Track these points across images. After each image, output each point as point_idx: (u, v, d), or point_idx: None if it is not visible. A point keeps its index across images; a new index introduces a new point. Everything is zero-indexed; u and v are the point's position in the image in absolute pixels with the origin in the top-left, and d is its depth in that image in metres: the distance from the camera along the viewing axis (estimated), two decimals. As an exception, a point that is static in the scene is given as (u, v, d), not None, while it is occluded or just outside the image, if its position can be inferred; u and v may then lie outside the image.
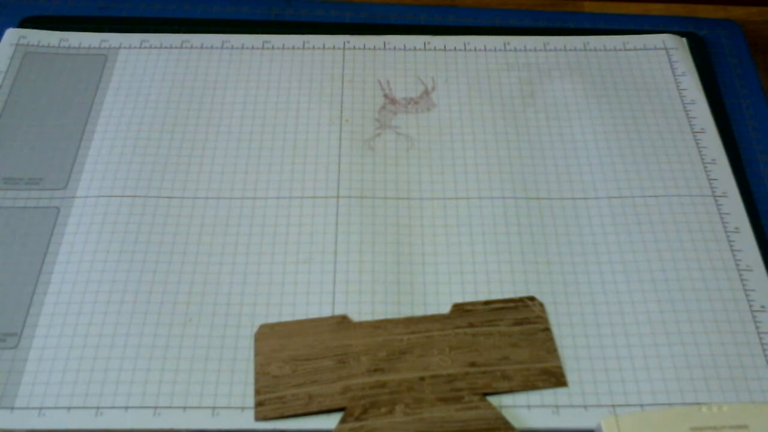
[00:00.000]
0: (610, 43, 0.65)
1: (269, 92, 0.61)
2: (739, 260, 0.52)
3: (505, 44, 0.65)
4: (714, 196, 0.55)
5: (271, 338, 0.48)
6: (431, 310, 0.50)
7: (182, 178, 0.56)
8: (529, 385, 0.47)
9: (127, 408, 0.46)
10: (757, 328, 0.49)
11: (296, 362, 0.47)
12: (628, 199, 0.55)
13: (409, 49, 0.65)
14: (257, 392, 0.46)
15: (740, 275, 0.51)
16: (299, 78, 0.62)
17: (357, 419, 0.45)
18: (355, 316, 0.49)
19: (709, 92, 0.62)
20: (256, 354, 0.48)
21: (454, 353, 0.48)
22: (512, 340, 0.48)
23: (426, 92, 0.62)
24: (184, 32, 0.65)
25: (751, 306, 0.50)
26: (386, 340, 0.48)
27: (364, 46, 0.65)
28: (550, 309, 0.50)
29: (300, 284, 0.51)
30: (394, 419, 0.45)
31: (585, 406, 0.46)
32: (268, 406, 0.46)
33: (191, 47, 0.64)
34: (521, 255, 0.52)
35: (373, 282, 0.51)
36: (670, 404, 0.46)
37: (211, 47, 0.64)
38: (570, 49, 0.65)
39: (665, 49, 0.65)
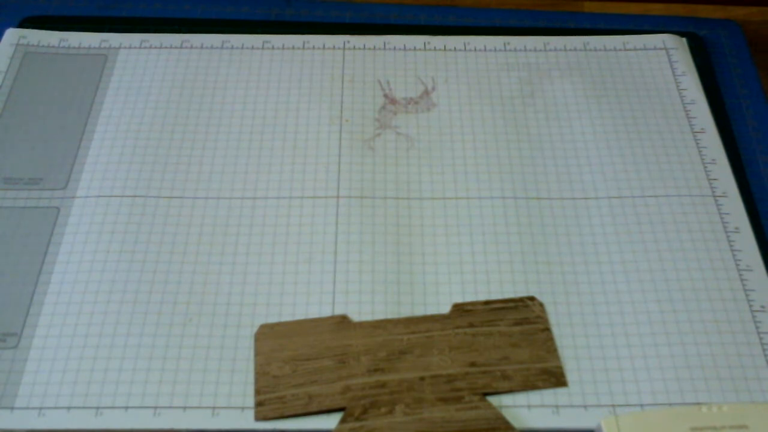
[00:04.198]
0: (610, 43, 0.65)
1: (269, 92, 0.61)
2: (739, 260, 0.52)
3: (505, 44, 0.65)
4: (714, 196, 0.55)
5: (271, 338, 0.48)
6: (431, 310, 0.50)
7: (182, 178, 0.56)
8: (529, 385, 0.47)
9: (127, 408, 0.46)
10: (757, 328, 0.49)
11: (296, 362, 0.47)
12: (628, 199, 0.55)
13: (409, 49, 0.65)
14: (257, 392, 0.46)
15: (740, 275, 0.51)
16: (299, 78, 0.62)
17: (357, 419, 0.45)
18: (355, 316, 0.49)
19: (709, 92, 0.62)
20: (256, 354, 0.48)
21: (454, 353, 0.48)
22: (512, 340, 0.48)
23: (426, 92, 0.62)
24: (184, 32, 0.65)
25: (751, 306, 0.50)
26: (386, 340, 0.48)
27: (364, 46, 0.65)
28: (550, 309, 0.50)
29: (300, 284, 0.51)
30: (394, 419, 0.45)
31: (585, 406, 0.46)
32: (268, 406, 0.46)
33: (191, 47, 0.64)
34: (521, 255, 0.52)
35: (373, 282, 0.51)
36: (670, 404, 0.46)
37: (211, 47, 0.64)
38: (570, 49, 0.65)
39: (665, 49, 0.65)
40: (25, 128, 0.59)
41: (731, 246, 0.53)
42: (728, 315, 0.50)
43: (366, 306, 0.50)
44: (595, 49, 0.65)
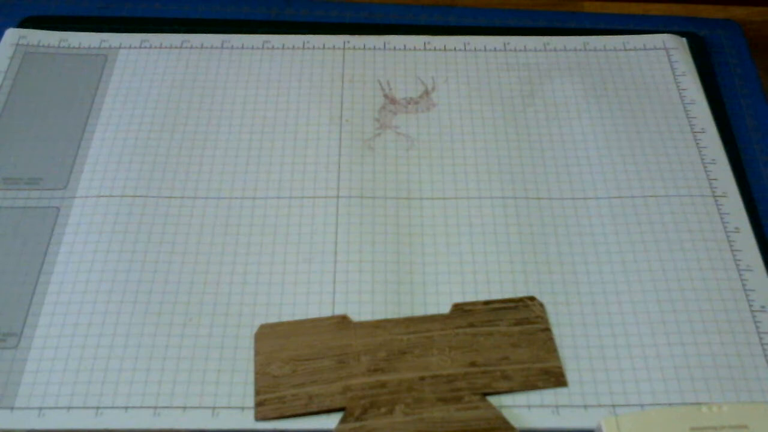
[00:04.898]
0: (610, 43, 0.65)
1: (269, 92, 0.61)
2: (739, 260, 0.52)
3: (505, 44, 0.65)
4: (714, 196, 0.55)
5: (271, 338, 0.48)
6: (431, 310, 0.50)
7: (182, 178, 0.56)
8: (529, 385, 0.47)
9: (127, 408, 0.46)
10: (757, 328, 0.49)
11: (296, 362, 0.47)
12: (628, 199, 0.55)
13: (409, 49, 0.65)
14: (257, 392, 0.46)
15: (740, 275, 0.51)
16: (299, 78, 0.62)
17: (357, 419, 0.45)
18: (355, 316, 0.49)
19: (709, 92, 0.62)
20: (256, 354, 0.48)
21: (454, 353, 0.48)
22: (512, 340, 0.48)
23: (426, 92, 0.62)
24: (184, 32, 0.65)
25: (751, 306, 0.50)
26: (386, 340, 0.48)
27: (364, 46, 0.65)
28: (550, 309, 0.50)
29: (300, 284, 0.51)
30: (394, 419, 0.45)
31: (585, 406, 0.46)
32: (268, 406, 0.46)
33: (191, 47, 0.64)
34: (521, 255, 0.52)
35: (373, 282, 0.51)
36: (670, 404, 0.46)
37: (211, 47, 0.64)
38: (570, 49, 0.65)
39: (665, 49, 0.65)
40: (25, 128, 0.59)
41: (731, 246, 0.53)
42: (728, 315, 0.50)
43: (366, 306, 0.50)
44: (595, 49, 0.65)
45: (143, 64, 0.63)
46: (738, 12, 0.71)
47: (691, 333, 0.49)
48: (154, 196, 0.55)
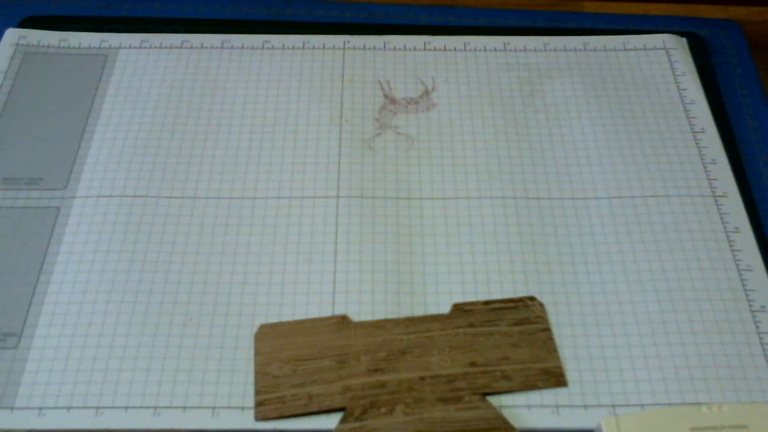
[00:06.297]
0: (610, 43, 0.65)
1: (269, 92, 0.61)
2: (739, 260, 0.52)
3: (505, 44, 0.65)
4: (714, 196, 0.55)
5: (271, 338, 0.48)
6: (431, 310, 0.50)
7: (182, 178, 0.56)
8: (529, 385, 0.47)
9: (127, 408, 0.46)
10: (757, 328, 0.49)
11: (296, 362, 0.47)
12: (628, 199, 0.55)
13: (409, 49, 0.65)
14: (257, 392, 0.46)
15: (740, 275, 0.51)
16: (299, 78, 0.62)
17: (357, 419, 0.45)
18: (355, 316, 0.49)
19: (709, 92, 0.62)
20: (256, 354, 0.48)
21: (454, 353, 0.48)
22: (512, 340, 0.48)
23: (426, 92, 0.62)
24: (184, 32, 0.65)
25: (751, 306, 0.50)
26: (386, 340, 0.48)
27: (364, 46, 0.65)
28: (550, 309, 0.50)
29: (300, 284, 0.51)
30: (394, 419, 0.45)
31: (585, 406, 0.46)
32: (268, 406, 0.46)
33: (191, 47, 0.64)
34: (521, 255, 0.52)
35: (373, 282, 0.51)
36: (670, 404, 0.46)
37: (211, 47, 0.64)
38: (570, 49, 0.65)
39: (665, 49, 0.65)
40: (25, 128, 0.59)
41: (731, 246, 0.53)
42: (728, 315, 0.50)
43: (366, 306, 0.50)
44: (595, 49, 0.65)
45: (143, 64, 0.63)
46: (738, 12, 0.71)
47: (691, 333, 0.49)
48: (154, 196, 0.55)
